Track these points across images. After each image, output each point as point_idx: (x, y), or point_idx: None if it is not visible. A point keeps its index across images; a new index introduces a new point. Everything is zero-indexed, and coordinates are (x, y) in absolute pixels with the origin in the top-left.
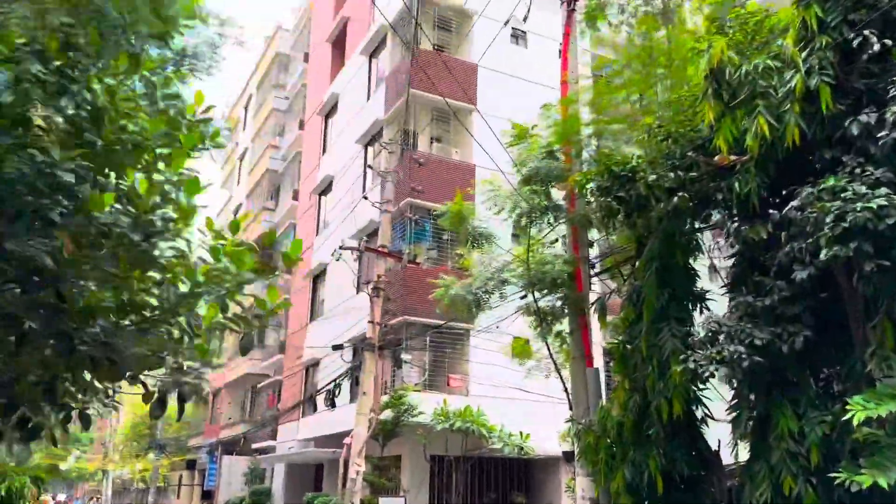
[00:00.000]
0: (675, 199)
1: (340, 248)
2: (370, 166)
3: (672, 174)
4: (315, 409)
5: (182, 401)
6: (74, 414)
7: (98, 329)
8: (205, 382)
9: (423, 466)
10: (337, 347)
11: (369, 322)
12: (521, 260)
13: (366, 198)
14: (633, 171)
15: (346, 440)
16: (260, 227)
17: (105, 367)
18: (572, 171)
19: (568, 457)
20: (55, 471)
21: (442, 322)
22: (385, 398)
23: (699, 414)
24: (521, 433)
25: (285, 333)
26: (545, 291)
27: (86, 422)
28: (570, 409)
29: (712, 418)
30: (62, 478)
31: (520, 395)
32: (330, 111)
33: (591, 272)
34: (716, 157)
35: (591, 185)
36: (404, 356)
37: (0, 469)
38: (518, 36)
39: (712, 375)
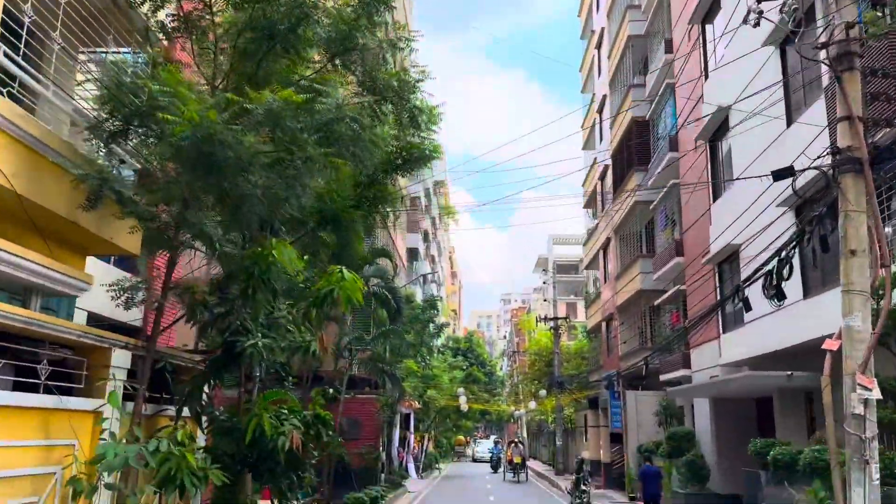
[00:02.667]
0: None
1: None
2: None
3: None
4: (741, 321)
5: None
6: None
7: None
8: None
9: None
10: (782, 174)
11: (842, 120)
12: None
13: None
14: None
15: (829, 343)
16: (630, 113)
17: None
18: None
19: None
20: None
21: None
22: None
23: None
24: None
25: (679, 230)
26: None
27: None
28: None
29: None
30: (487, 420)
31: None
32: None
33: None
34: None
35: None
36: None
37: None
38: None
39: None
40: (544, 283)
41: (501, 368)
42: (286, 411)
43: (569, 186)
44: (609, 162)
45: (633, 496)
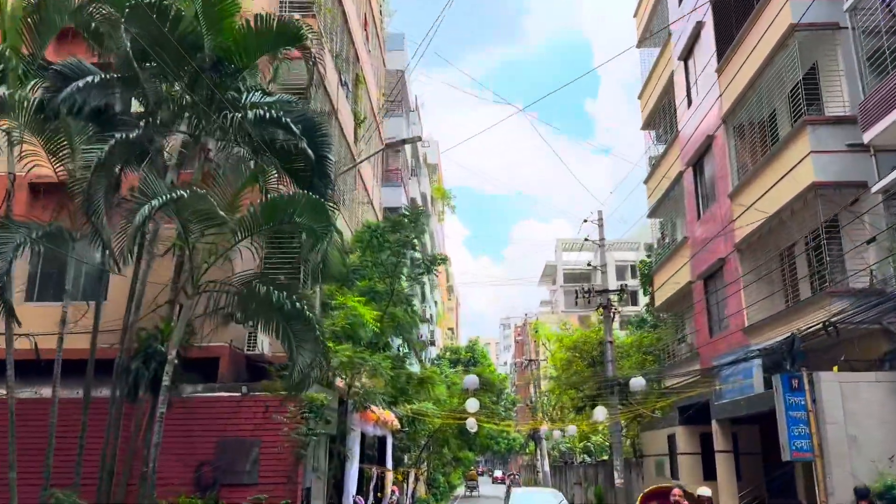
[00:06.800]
0: None
1: None
2: None
3: None
4: None
5: None
6: None
7: None
8: None
9: None
10: None
11: None
12: None
13: None
14: None
15: None
16: None
17: None
18: None
19: None
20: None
21: None
22: None
23: None
24: None
25: None
26: None
27: None
28: None
29: None
30: (493, 451)
31: None
32: None
33: None
34: None
35: None
36: None
37: None
38: None
39: None
40: (593, 255)
41: (510, 388)
42: None
43: (569, 218)
44: (705, 18)
45: None
